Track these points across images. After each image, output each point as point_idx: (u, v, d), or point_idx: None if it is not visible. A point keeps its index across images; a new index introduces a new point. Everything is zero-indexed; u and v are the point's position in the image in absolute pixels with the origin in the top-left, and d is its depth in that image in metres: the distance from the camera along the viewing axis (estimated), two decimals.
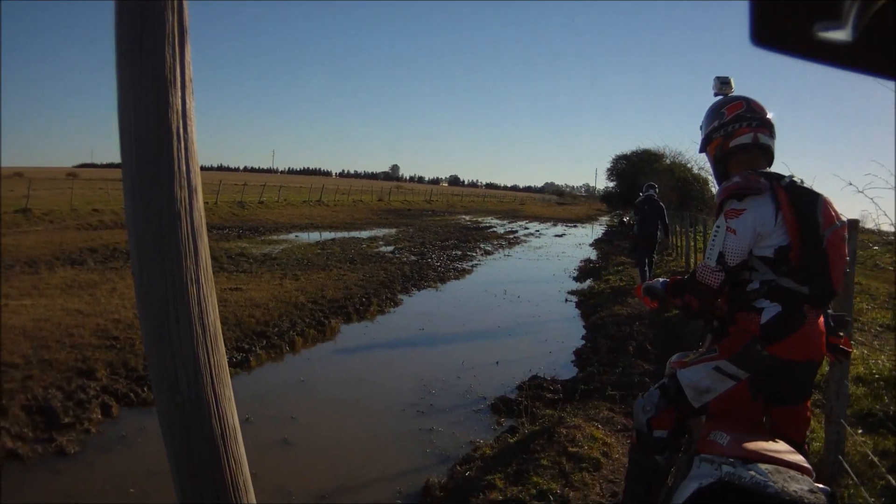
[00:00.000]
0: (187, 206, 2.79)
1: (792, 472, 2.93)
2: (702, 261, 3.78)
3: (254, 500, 3.01)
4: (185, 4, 2.86)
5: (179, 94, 2.80)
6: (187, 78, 2.86)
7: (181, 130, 2.78)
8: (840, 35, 0.99)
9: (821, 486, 2.92)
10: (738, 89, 3.96)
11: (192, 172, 2.83)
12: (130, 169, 2.75)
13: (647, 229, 17.16)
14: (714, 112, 3.92)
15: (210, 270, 2.90)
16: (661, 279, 4.01)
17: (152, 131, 2.72)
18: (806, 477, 2.94)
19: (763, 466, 2.94)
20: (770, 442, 3.22)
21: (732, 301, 3.72)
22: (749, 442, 3.15)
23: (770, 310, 3.52)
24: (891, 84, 5.69)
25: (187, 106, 2.84)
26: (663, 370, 4.37)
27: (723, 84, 3.96)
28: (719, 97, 3.97)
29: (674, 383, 3.83)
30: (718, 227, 3.62)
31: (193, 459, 2.85)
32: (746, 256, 3.57)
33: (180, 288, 2.76)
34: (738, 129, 3.78)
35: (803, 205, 3.54)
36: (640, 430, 3.97)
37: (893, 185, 6.82)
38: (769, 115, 3.80)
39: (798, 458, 3.09)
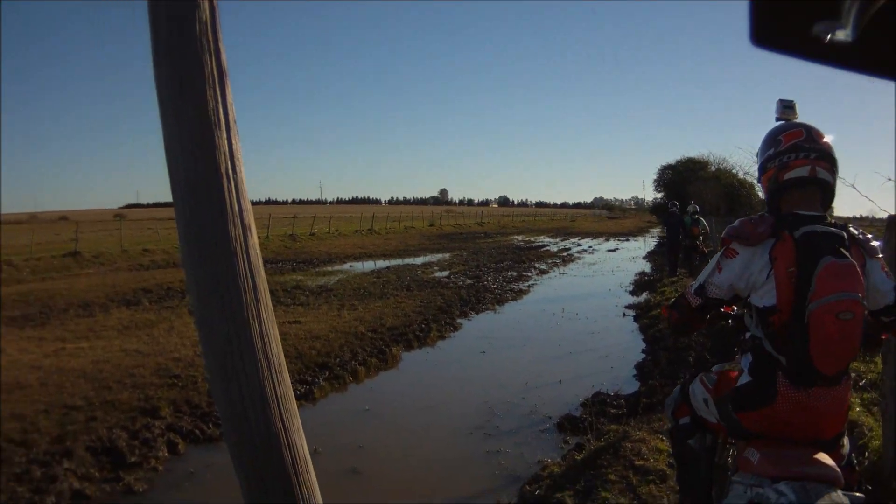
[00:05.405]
0: (242, 245, 2.84)
1: (819, 487, 2.89)
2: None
3: None
4: (222, 47, 2.92)
5: (225, 135, 2.85)
6: (231, 119, 2.91)
7: (230, 171, 2.84)
8: (840, 35, 0.99)
9: (854, 493, 2.88)
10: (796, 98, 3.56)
11: (245, 211, 2.89)
12: (183, 211, 2.82)
13: (672, 237, 25.85)
14: (771, 139, 3.49)
15: (270, 305, 2.94)
16: None
17: (201, 173, 2.78)
18: (833, 489, 2.89)
19: (789, 485, 2.92)
20: (799, 451, 3.14)
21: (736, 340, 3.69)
22: (778, 458, 3.10)
23: (745, 376, 3.39)
24: (891, 84, 5.62)
25: (234, 147, 2.90)
26: None
27: (785, 108, 3.53)
28: (780, 122, 3.54)
29: (689, 388, 3.97)
30: (715, 259, 3.50)
31: (267, 490, 2.88)
32: (726, 296, 3.46)
33: (242, 324, 2.81)
34: (794, 160, 3.34)
35: (805, 265, 3.15)
36: (671, 424, 4.14)
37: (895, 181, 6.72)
38: (826, 139, 3.37)
39: (824, 470, 2.99)
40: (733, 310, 3.98)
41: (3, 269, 28.77)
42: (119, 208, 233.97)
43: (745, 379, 3.36)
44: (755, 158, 3.70)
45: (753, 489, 3.03)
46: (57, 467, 8.11)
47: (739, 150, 64.38)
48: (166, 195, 2.86)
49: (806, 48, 1.09)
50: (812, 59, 1.11)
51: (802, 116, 3.50)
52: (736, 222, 3.43)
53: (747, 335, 3.50)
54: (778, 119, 3.54)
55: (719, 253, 3.45)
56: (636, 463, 6.70)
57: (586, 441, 8.31)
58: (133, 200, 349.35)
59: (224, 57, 2.94)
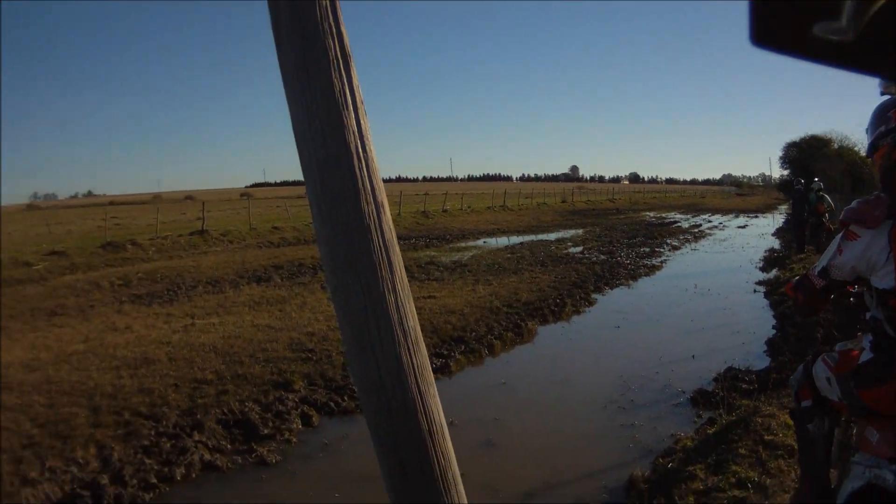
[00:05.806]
0: (376, 221, 2.94)
1: None
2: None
3: (464, 497, 3.06)
4: (345, 30, 2.99)
5: (353, 115, 2.93)
6: (358, 100, 2.99)
7: (360, 150, 2.93)
8: (840, 35, 1.00)
9: None
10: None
11: (377, 189, 2.98)
12: (315, 190, 2.93)
13: (797, 214, 25.16)
14: (880, 115, 3.37)
15: (405, 279, 3.04)
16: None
17: (332, 153, 2.88)
18: None
19: None
20: None
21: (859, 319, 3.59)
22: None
23: (867, 353, 3.33)
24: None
25: (363, 127, 2.98)
26: None
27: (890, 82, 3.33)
28: (885, 97, 3.40)
29: (812, 369, 3.85)
30: (836, 241, 3.37)
31: (402, 457, 2.96)
32: (848, 277, 3.35)
33: (377, 297, 2.90)
34: None
35: None
36: (794, 405, 4.07)
37: None
38: None
39: None
40: (855, 287, 3.82)
41: (128, 248, 29.58)
42: (246, 187, 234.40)
43: (867, 356, 3.31)
44: (865, 134, 3.53)
45: (872, 470, 3.03)
46: (187, 440, 8.33)
47: (860, 127, 63.29)
48: (294, 174, 2.93)
49: (806, 48, 1.09)
50: (812, 58, 1.12)
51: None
52: (854, 203, 3.31)
53: (868, 315, 3.40)
54: (883, 93, 3.41)
55: (840, 235, 3.36)
56: (766, 438, 6.72)
57: (718, 415, 8.30)
58: (260, 179, 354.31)
59: (347, 40, 2.99)
